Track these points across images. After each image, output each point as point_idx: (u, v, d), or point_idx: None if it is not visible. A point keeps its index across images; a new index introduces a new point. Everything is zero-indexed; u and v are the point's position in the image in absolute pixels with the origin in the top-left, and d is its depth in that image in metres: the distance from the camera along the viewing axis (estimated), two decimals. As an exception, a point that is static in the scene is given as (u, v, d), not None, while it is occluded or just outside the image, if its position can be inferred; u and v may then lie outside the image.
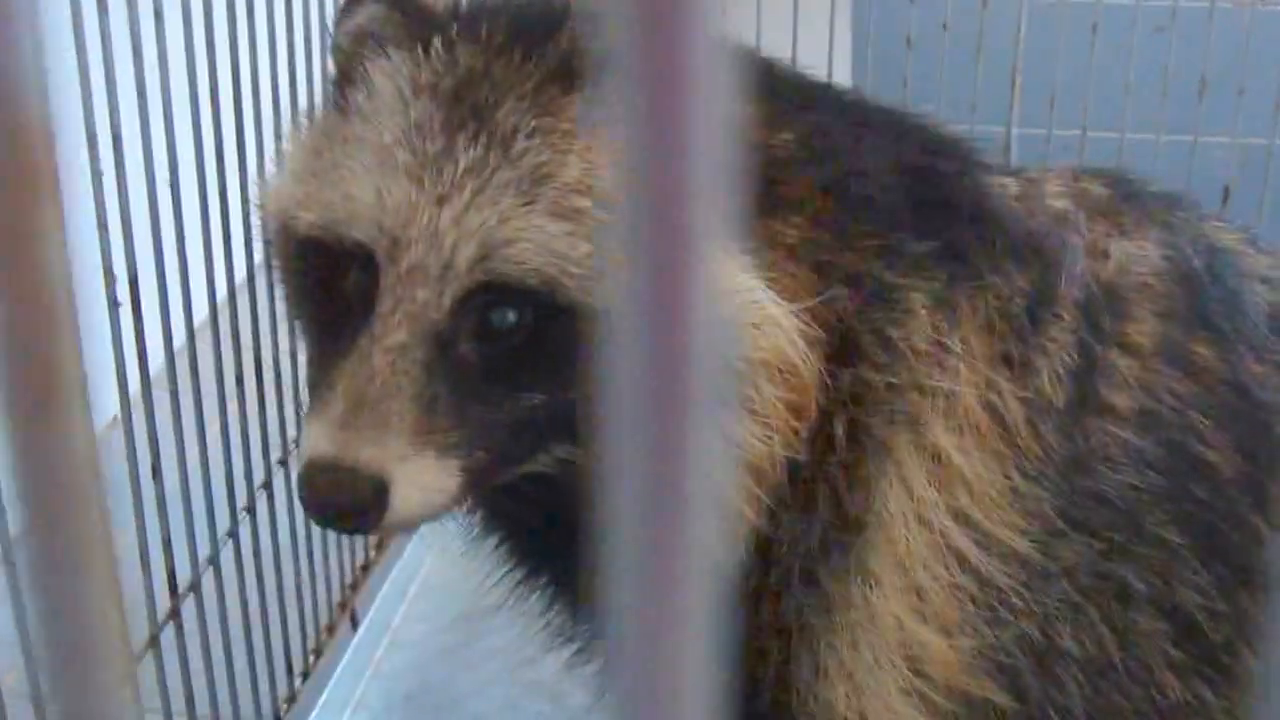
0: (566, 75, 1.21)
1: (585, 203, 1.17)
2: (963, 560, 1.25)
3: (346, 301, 1.22)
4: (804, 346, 1.21)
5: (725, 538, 1.22)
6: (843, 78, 2.59)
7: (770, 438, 1.21)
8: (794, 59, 2.17)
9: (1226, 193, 2.64)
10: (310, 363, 1.28)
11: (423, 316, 1.17)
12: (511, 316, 1.18)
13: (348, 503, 1.14)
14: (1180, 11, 2.45)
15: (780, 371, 1.21)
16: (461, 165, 1.18)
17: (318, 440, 1.15)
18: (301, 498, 1.17)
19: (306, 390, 1.28)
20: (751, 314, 1.19)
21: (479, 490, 1.26)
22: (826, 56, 2.44)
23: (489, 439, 1.18)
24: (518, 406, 1.19)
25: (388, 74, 1.25)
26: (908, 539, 1.26)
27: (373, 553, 2.22)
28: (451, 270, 1.17)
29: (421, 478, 1.15)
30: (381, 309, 1.17)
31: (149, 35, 1.51)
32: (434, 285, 1.17)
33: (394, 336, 1.16)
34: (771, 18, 2.37)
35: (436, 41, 1.24)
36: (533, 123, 1.18)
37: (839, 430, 1.26)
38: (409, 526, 1.27)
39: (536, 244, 1.16)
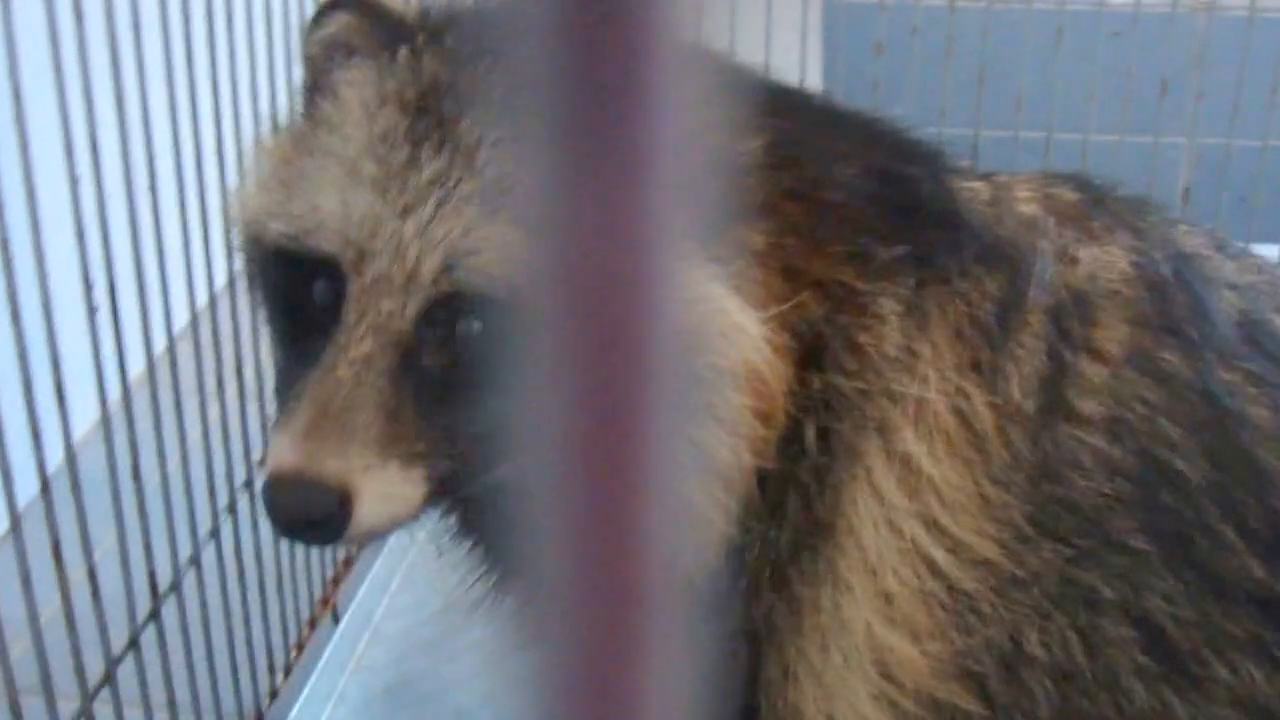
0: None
1: None
2: (932, 566, 1.21)
3: (315, 312, 1.17)
4: (771, 354, 1.16)
5: (691, 547, 1.18)
6: (814, 83, 2.55)
7: (737, 445, 1.17)
8: (766, 64, 2.13)
9: (1186, 193, 2.61)
10: (278, 373, 1.24)
11: (387, 327, 1.12)
12: (477, 326, 1.13)
13: (312, 515, 1.10)
14: (1141, 17, 2.42)
15: (747, 379, 1.16)
16: (425, 176, 1.13)
17: (282, 452, 1.11)
18: (267, 510, 1.13)
19: (274, 401, 1.23)
20: (717, 321, 1.15)
21: (447, 498, 1.22)
22: (799, 61, 2.39)
23: (455, 448, 1.14)
24: (488, 414, 1.14)
25: (354, 84, 1.20)
26: (877, 544, 1.21)
27: (354, 548, 2.17)
28: (415, 281, 1.12)
29: (386, 488, 1.11)
30: (347, 320, 1.13)
31: (127, 44, 1.45)
32: (398, 296, 1.12)
33: (359, 347, 1.12)
34: (744, 22, 2.32)
35: (403, 51, 1.19)
36: (497, 132, 1.14)
37: (809, 435, 1.21)
38: (374, 537, 1.23)
39: (501, 253, 1.11)
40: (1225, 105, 2.43)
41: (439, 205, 1.12)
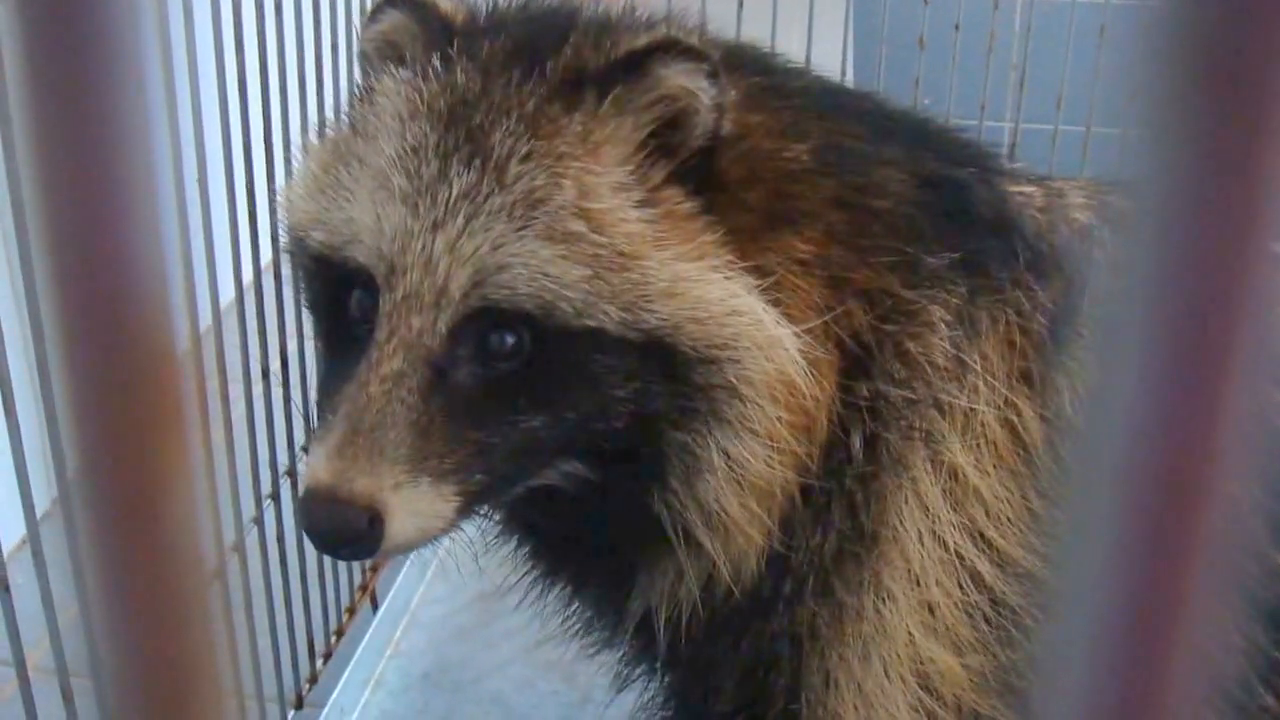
0: (566, 94, 1.13)
1: (579, 225, 1.10)
2: (976, 579, 1.18)
3: (352, 321, 1.16)
4: (809, 368, 1.13)
5: None
6: (850, 77, 2.51)
7: (774, 460, 1.14)
8: (808, 59, 2.09)
9: None
10: (321, 381, 1.23)
11: (418, 344, 1.10)
12: (508, 340, 1.11)
13: (343, 533, 1.09)
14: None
15: (784, 393, 1.13)
16: (455, 190, 1.10)
17: (316, 469, 1.10)
18: (302, 525, 1.12)
19: (315, 410, 1.22)
20: (753, 335, 1.12)
21: (480, 510, 1.21)
22: (840, 57, 2.35)
23: (487, 461, 1.12)
24: (516, 429, 1.12)
25: (389, 92, 1.17)
26: (922, 555, 1.18)
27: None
28: (446, 297, 1.10)
29: (416, 505, 1.09)
30: (379, 335, 1.11)
31: (178, 34, 1.43)
32: (428, 312, 1.10)
33: (389, 364, 1.10)
34: (785, 17, 2.28)
35: (435, 59, 1.16)
36: (527, 146, 1.11)
37: (856, 443, 1.18)
38: (407, 551, 1.21)
39: (530, 269, 1.09)
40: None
41: (468, 220, 1.09)
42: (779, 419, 1.13)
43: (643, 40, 1.14)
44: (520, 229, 1.09)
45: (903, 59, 2.34)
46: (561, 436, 1.13)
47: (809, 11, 2.30)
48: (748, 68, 1.23)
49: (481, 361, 1.12)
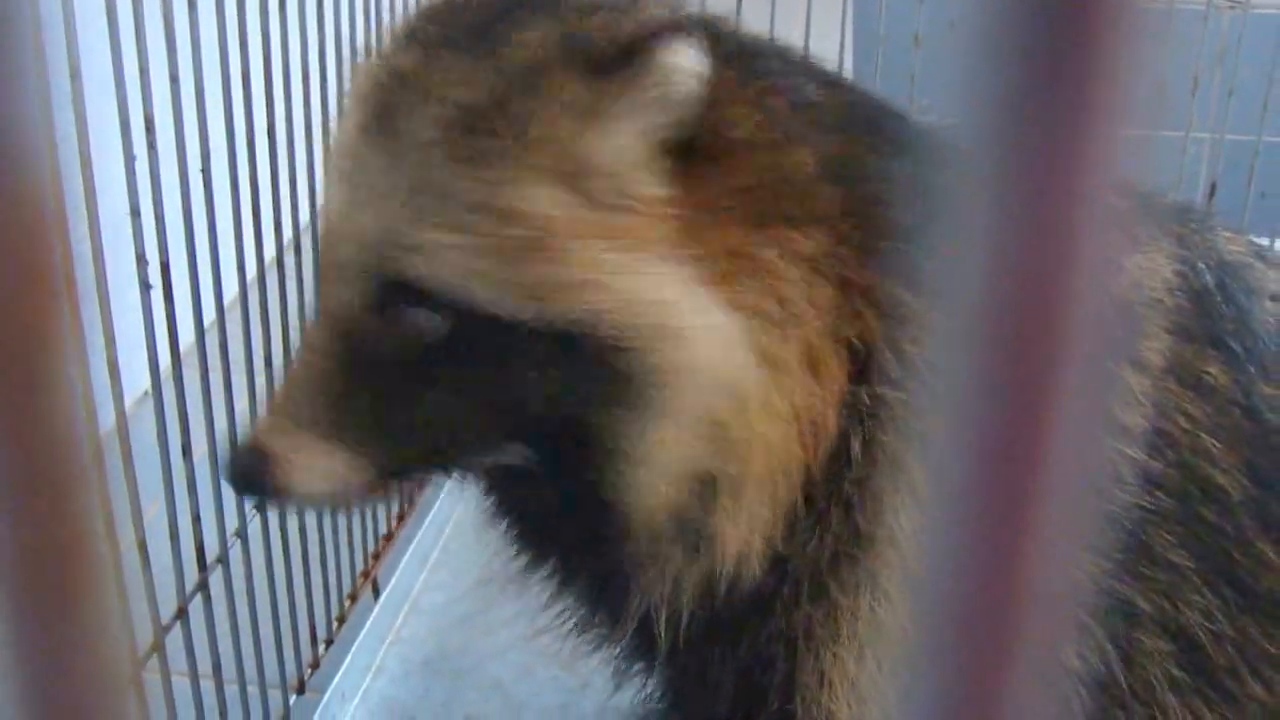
0: (506, 79, 1.08)
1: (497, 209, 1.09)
2: None
3: None
4: (810, 369, 1.11)
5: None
6: (850, 74, 2.49)
7: (705, 451, 1.12)
8: (806, 50, 2.06)
9: (1213, 188, 2.54)
10: None
11: (339, 315, 1.14)
12: (425, 318, 1.11)
13: (247, 475, 1.16)
14: (1174, 14, 2.34)
15: (714, 381, 1.10)
16: (376, 170, 1.11)
17: (250, 430, 1.18)
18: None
19: None
20: (679, 325, 1.08)
21: (395, 482, 1.22)
22: (838, 54, 2.33)
23: (401, 435, 1.15)
24: (432, 407, 1.13)
25: (356, 74, 1.21)
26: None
27: (394, 523, 2.15)
28: (364, 271, 1.12)
29: (321, 462, 1.14)
30: (316, 306, 1.17)
31: (182, 21, 1.41)
32: (349, 285, 1.13)
33: (316, 333, 1.16)
34: (783, 14, 2.26)
35: (394, 40, 1.17)
36: (454, 131, 1.08)
37: (855, 445, 1.16)
38: (311, 504, 1.26)
39: (445, 251, 1.08)
40: (1254, 102, 2.37)
41: (385, 199, 1.09)
42: (712, 408, 1.10)
43: (611, 22, 1.10)
44: (439, 208, 1.08)
45: (898, 56, 2.32)
46: (487, 419, 1.12)
47: (807, 8, 2.27)
48: (739, 51, 1.17)
49: (400, 337, 1.12)
